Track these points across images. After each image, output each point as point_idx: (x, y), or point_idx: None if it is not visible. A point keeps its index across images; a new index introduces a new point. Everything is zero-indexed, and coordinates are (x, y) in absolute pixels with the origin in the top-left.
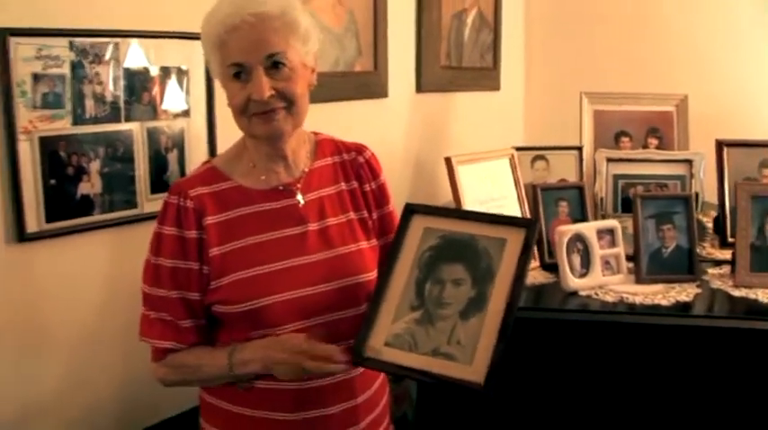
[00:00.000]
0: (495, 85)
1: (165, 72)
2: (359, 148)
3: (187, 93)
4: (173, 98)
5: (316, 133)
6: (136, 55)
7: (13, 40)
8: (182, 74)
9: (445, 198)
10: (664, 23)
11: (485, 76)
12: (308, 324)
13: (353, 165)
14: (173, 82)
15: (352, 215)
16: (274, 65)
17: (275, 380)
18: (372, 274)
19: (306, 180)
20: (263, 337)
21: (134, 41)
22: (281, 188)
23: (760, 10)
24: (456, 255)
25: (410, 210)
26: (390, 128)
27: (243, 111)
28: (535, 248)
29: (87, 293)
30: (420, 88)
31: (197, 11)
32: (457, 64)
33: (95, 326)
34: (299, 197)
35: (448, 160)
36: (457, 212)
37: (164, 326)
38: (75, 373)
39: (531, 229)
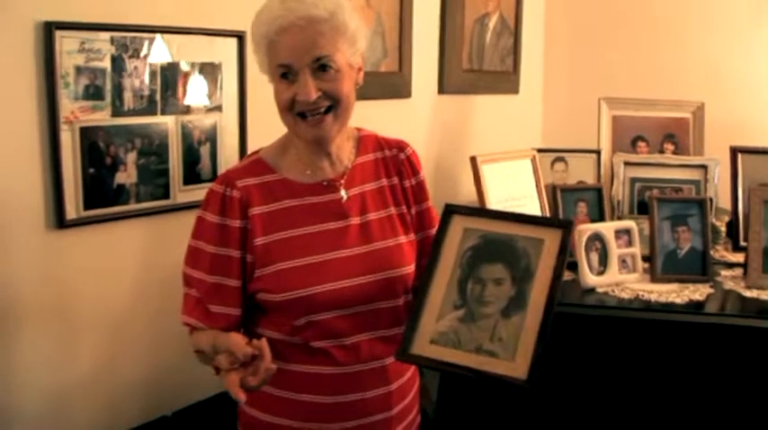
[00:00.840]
0: (514, 89)
1: (200, 67)
2: (400, 145)
3: (220, 88)
4: (206, 93)
5: (359, 129)
6: (172, 50)
7: (58, 34)
8: (215, 69)
9: (466, 197)
10: (681, 32)
11: (505, 80)
12: (348, 313)
13: (395, 162)
14: (206, 77)
15: (392, 210)
16: (321, 67)
17: (316, 364)
18: (410, 268)
19: (349, 175)
20: (305, 325)
21: (170, 37)
22: (324, 183)
23: None
24: (496, 254)
25: (450, 211)
26: (413, 127)
27: (289, 109)
28: None
29: (120, 280)
30: (442, 90)
31: (231, 8)
32: (478, 67)
33: (127, 311)
34: (343, 192)
35: (473, 159)
36: (496, 213)
37: (194, 304)
38: (108, 357)
39: (568, 230)
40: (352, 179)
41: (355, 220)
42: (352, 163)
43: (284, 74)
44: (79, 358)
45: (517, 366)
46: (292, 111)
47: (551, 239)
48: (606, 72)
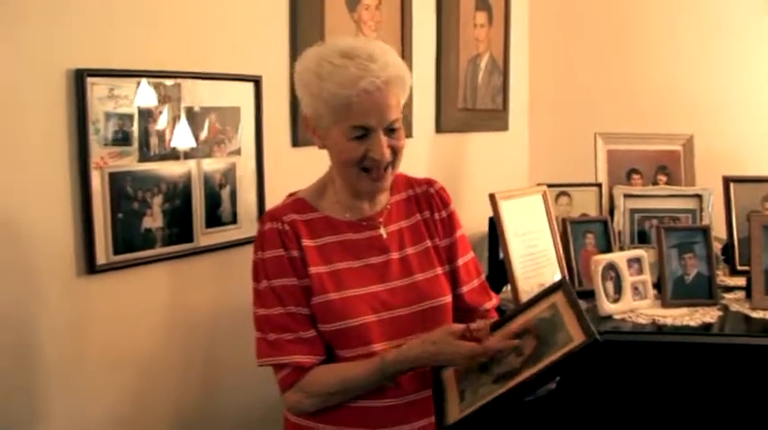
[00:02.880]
0: (503, 126)
1: (220, 112)
2: (429, 182)
3: (239, 132)
4: (226, 137)
5: None
6: (194, 95)
7: (90, 80)
8: (234, 113)
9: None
10: (667, 67)
11: (495, 117)
12: (393, 344)
13: (426, 196)
14: (226, 121)
15: (428, 243)
16: (391, 128)
17: (368, 398)
18: (448, 298)
19: (387, 213)
20: (353, 358)
21: (192, 82)
22: (364, 223)
23: (758, 54)
24: (543, 333)
25: (559, 285)
26: (415, 165)
27: (356, 164)
28: (567, 277)
29: (147, 325)
30: (440, 129)
31: (247, 54)
32: (471, 106)
33: (154, 355)
34: (382, 230)
35: (492, 196)
36: (578, 306)
37: (292, 344)
38: (134, 403)
39: (589, 346)
40: (390, 217)
41: (395, 255)
42: (387, 201)
43: (358, 135)
44: (107, 401)
45: (455, 412)
46: (358, 165)
47: (575, 341)
48: (594, 107)
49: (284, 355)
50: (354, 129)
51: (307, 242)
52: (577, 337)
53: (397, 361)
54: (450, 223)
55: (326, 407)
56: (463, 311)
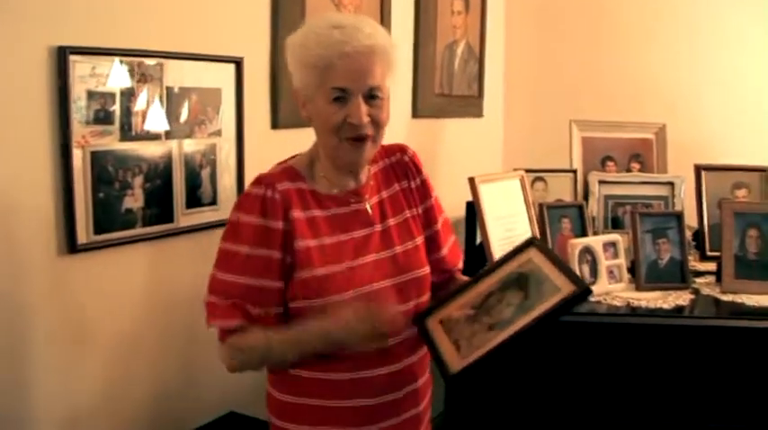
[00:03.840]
0: (479, 112)
1: (202, 92)
2: (402, 148)
3: (219, 113)
4: (207, 118)
5: None
6: (176, 75)
7: (72, 58)
8: (216, 95)
9: None
10: (642, 57)
11: (471, 104)
12: None
13: (401, 166)
14: (208, 102)
15: (407, 214)
16: (372, 95)
17: (356, 369)
18: (427, 269)
19: (369, 186)
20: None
21: (174, 62)
22: (351, 198)
23: (729, 47)
24: (525, 285)
25: (530, 243)
26: None
27: (336, 131)
28: None
29: (128, 304)
30: (416, 114)
31: (230, 35)
32: (448, 92)
33: (134, 335)
34: (367, 204)
35: (471, 180)
36: (555, 257)
37: (234, 309)
38: (117, 378)
39: (581, 292)
40: (372, 189)
41: (378, 228)
42: (368, 174)
43: (338, 97)
44: (89, 380)
45: (456, 361)
46: (338, 134)
47: (565, 290)
48: (569, 95)
49: (220, 319)
50: (334, 91)
51: (297, 213)
52: (565, 286)
53: (290, 335)
54: (425, 189)
55: (310, 381)
56: (440, 272)
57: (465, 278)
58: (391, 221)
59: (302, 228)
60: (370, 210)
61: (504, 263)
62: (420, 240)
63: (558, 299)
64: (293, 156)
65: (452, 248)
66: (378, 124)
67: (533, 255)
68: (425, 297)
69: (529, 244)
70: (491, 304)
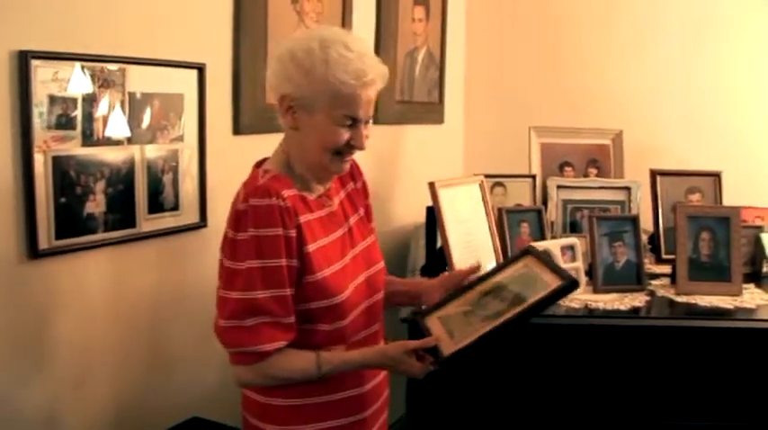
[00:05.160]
0: (439, 119)
1: (164, 98)
2: None
3: (182, 119)
4: (169, 123)
5: None
6: (138, 81)
7: (33, 63)
8: (178, 101)
9: (398, 222)
10: (600, 65)
11: (431, 110)
12: (365, 306)
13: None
14: (170, 108)
15: (361, 212)
16: (367, 121)
17: None
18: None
19: (333, 189)
20: (332, 331)
21: (137, 68)
22: (325, 201)
23: (684, 55)
24: (520, 284)
25: (526, 251)
26: None
27: (335, 150)
28: None
29: (90, 309)
30: (377, 120)
31: (192, 41)
32: (409, 98)
33: (96, 340)
34: (335, 204)
35: (431, 184)
36: (549, 261)
37: (270, 329)
38: (77, 385)
39: (567, 285)
40: (333, 192)
41: (346, 227)
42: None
43: (350, 124)
44: (51, 385)
45: (451, 343)
46: (334, 151)
47: (554, 284)
48: (528, 102)
49: (263, 343)
50: (345, 118)
51: (302, 219)
52: (554, 282)
53: (338, 365)
54: (365, 190)
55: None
56: None
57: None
58: (352, 220)
59: (307, 233)
60: (339, 211)
61: (501, 269)
62: (373, 236)
63: (550, 289)
64: (262, 161)
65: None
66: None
67: (529, 261)
68: (383, 291)
69: (525, 252)
70: (487, 301)
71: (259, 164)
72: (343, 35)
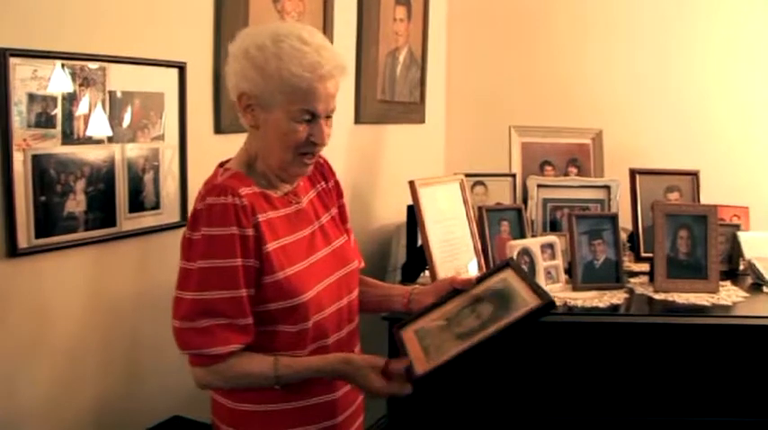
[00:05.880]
0: (421, 118)
1: (144, 97)
2: None
3: (162, 117)
4: (150, 122)
5: None
6: (118, 79)
7: (12, 61)
8: (159, 99)
9: (379, 221)
10: (581, 64)
11: (413, 110)
12: (335, 308)
13: (318, 167)
14: (150, 106)
15: (333, 211)
16: (328, 115)
17: None
18: (357, 260)
19: (301, 187)
20: (306, 329)
21: (117, 66)
22: (291, 199)
23: (662, 55)
24: (495, 300)
25: (507, 264)
26: (333, 155)
27: (295, 148)
28: (483, 263)
29: (70, 308)
30: (358, 120)
31: (173, 40)
32: (390, 98)
33: (76, 339)
34: (304, 203)
35: (411, 183)
36: (527, 277)
37: (224, 330)
38: (57, 385)
39: (545, 305)
40: (303, 189)
41: (316, 225)
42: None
43: (307, 119)
44: (31, 385)
45: (424, 363)
46: (296, 150)
47: (531, 304)
48: (508, 101)
49: (218, 345)
50: (303, 113)
51: (261, 217)
52: (532, 300)
53: (298, 370)
54: (338, 190)
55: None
56: None
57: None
58: (323, 219)
59: (266, 232)
60: (304, 207)
61: (481, 281)
62: (346, 235)
63: (525, 310)
64: (226, 161)
65: (356, 249)
66: (326, 141)
67: (508, 274)
68: (356, 291)
69: (506, 265)
70: (463, 315)
71: (223, 163)
72: (298, 28)
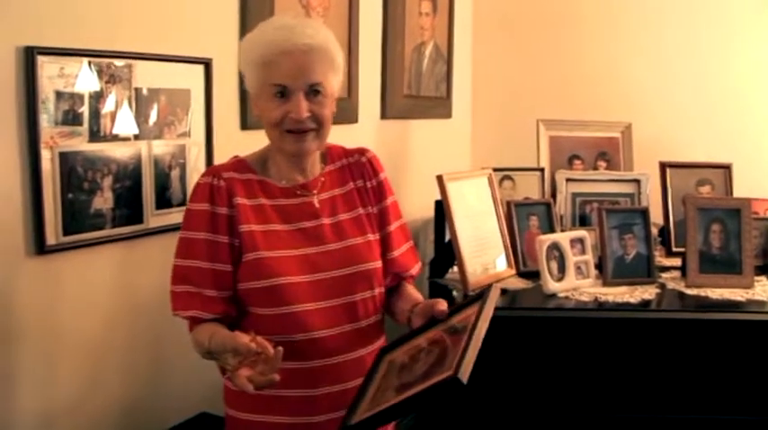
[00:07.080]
0: (447, 113)
1: (171, 93)
2: (361, 151)
3: (189, 114)
4: (176, 119)
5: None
6: (145, 76)
7: (39, 59)
8: (185, 96)
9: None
10: (608, 57)
11: (439, 105)
12: (328, 304)
13: (357, 166)
14: (177, 103)
15: (360, 211)
16: (314, 91)
17: (295, 359)
18: (379, 263)
19: (321, 183)
20: (283, 315)
21: (143, 63)
22: (298, 191)
23: (693, 47)
24: (444, 349)
25: (481, 295)
26: None
27: (277, 125)
28: (512, 258)
29: (97, 305)
30: (384, 115)
31: (199, 36)
32: (416, 93)
33: (103, 336)
34: (314, 198)
35: (440, 178)
36: (472, 336)
37: (189, 297)
38: (84, 382)
39: (446, 385)
40: (323, 185)
41: (327, 220)
42: (321, 171)
43: (279, 92)
44: (59, 383)
45: (359, 413)
46: (280, 126)
47: (439, 376)
48: (536, 95)
49: (178, 309)
50: (274, 87)
51: (241, 200)
52: (446, 370)
53: (218, 344)
54: (380, 190)
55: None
56: (393, 274)
57: (412, 289)
58: (343, 216)
59: (246, 214)
60: (317, 204)
61: (457, 311)
62: (373, 237)
63: (428, 384)
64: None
65: (406, 253)
66: (319, 120)
67: (473, 312)
68: (377, 291)
69: (479, 297)
70: (418, 359)
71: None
72: (281, 19)
